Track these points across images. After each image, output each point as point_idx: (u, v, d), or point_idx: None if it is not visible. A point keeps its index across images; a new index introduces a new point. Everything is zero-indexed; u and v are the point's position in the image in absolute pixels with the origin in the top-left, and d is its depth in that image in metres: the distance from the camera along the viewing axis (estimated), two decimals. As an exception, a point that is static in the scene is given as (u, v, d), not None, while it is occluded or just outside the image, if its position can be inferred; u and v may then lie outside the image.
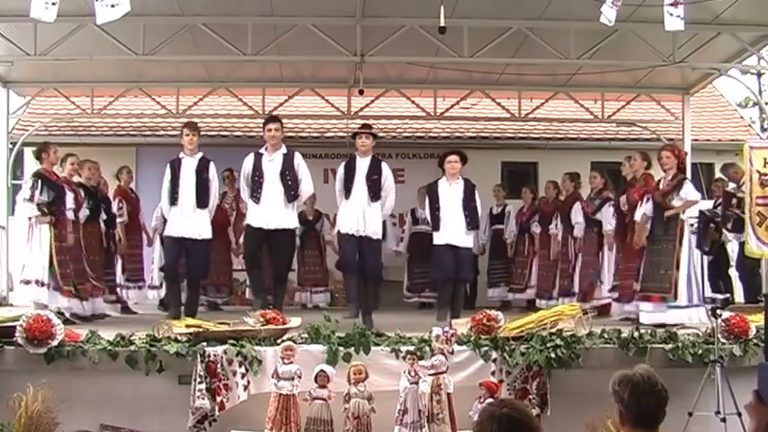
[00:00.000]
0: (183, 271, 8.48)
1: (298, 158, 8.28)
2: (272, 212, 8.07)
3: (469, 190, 8.43)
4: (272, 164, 8.15)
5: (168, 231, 8.34)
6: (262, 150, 8.28)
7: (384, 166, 8.28)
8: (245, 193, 8.44)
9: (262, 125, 8.61)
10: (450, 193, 8.37)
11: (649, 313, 7.93)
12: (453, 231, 8.25)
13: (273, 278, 8.53)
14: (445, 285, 8.53)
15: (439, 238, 8.36)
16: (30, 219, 8.23)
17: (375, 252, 8.21)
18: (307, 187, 8.33)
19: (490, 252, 11.98)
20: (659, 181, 8.41)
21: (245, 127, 13.82)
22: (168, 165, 8.34)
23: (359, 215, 8.01)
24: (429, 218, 8.54)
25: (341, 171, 8.28)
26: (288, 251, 8.55)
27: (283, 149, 8.28)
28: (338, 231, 8.40)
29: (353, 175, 8.12)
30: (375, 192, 8.07)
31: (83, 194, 8.88)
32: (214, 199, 8.51)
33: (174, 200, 8.19)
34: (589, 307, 8.90)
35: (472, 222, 8.36)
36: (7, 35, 10.10)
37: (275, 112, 12.81)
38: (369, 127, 8.66)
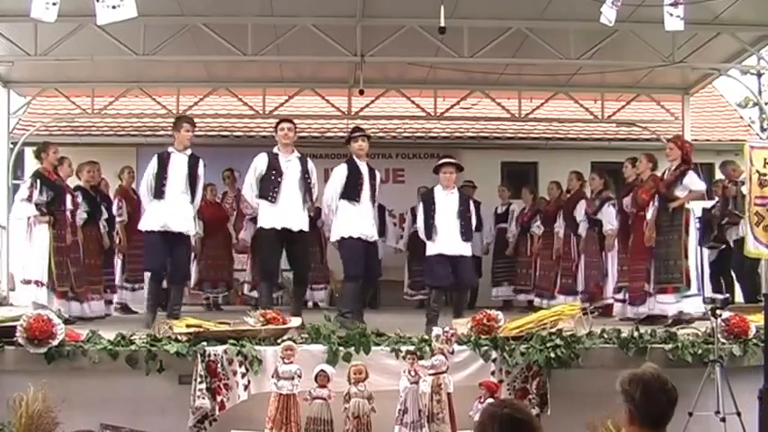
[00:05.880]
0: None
1: (311, 164, 8.13)
2: (290, 213, 7.79)
3: (465, 200, 8.17)
4: (291, 165, 7.92)
5: (152, 225, 7.81)
6: (275, 150, 7.98)
7: (376, 170, 8.24)
8: (252, 193, 7.91)
9: (274, 126, 8.33)
10: (446, 202, 8.02)
11: (667, 305, 7.99)
12: (449, 241, 7.87)
13: (294, 281, 8.43)
14: (438, 295, 8.03)
15: (433, 249, 7.91)
16: (29, 218, 8.20)
17: (376, 255, 8.36)
18: (316, 193, 8.25)
19: (494, 251, 11.96)
20: (664, 172, 8.44)
21: (245, 127, 13.84)
22: (156, 157, 7.96)
23: (368, 221, 7.92)
24: (422, 226, 8.06)
25: (343, 174, 7.87)
26: (308, 253, 8.56)
27: (297, 152, 8.10)
28: (343, 237, 7.84)
29: (361, 180, 7.88)
30: (375, 196, 8.06)
31: (79, 198, 8.87)
32: (199, 197, 8.26)
33: (160, 193, 7.82)
34: (593, 307, 8.91)
35: (467, 233, 7.97)
36: (8, 35, 10.12)
37: (276, 113, 12.87)
38: (363, 130, 8.56)
